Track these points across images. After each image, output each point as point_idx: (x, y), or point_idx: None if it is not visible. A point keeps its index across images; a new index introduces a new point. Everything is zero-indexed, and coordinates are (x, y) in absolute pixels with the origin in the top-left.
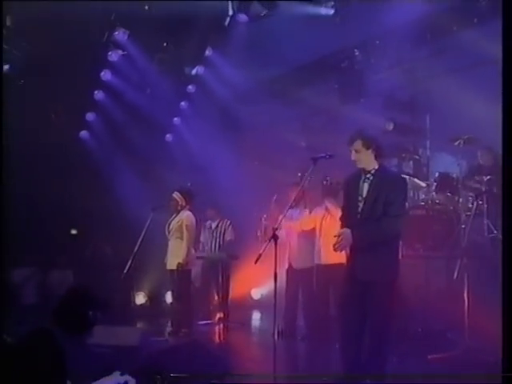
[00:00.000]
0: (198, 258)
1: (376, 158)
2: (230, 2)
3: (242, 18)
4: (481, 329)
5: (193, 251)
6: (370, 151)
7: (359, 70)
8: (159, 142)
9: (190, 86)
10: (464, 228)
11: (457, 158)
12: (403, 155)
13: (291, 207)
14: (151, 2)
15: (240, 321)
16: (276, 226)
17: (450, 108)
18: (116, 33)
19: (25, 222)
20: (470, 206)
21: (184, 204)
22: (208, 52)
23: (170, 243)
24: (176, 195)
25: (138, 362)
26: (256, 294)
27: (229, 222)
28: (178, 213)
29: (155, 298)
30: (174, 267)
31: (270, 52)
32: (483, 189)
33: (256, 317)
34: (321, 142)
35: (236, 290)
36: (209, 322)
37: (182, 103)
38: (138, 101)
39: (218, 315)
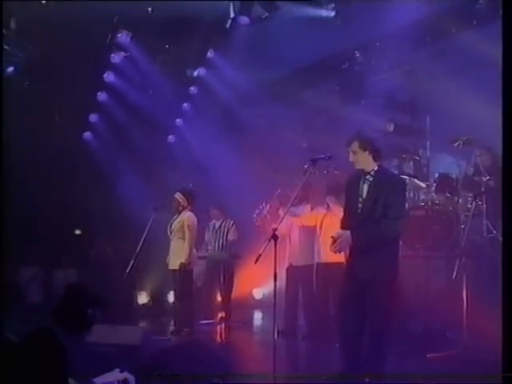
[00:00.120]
0: (199, 257)
1: (374, 159)
2: (231, 4)
3: (244, 20)
4: (480, 328)
5: (195, 251)
6: (366, 153)
7: (360, 71)
8: (161, 143)
9: (192, 88)
10: (463, 228)
11: (456, 159)
12: (403, 156)
13: (293, 205)
14: (154, 4)
15: (242, 320)
16: (276, 226)
17: (449, 109)
18: (119, 35)
19: (29, 222)
20: (469, 206)
21: (186, 205)
22: (210, 54)
23: (172, 243)
24: (178, 196)
25: (140, 360)
26: (258, 293)
27: (232, 221)
28: (180, 213)
29: (157, 298)
30: (177, 267)
31: (272, 54)
32: (482, 189)
33: (258, 316)
34: (322, 143)
35: (238, 289)
36: (211, 321)
37: (184, 104)
38: (140, 102)
39: (220, 315)
